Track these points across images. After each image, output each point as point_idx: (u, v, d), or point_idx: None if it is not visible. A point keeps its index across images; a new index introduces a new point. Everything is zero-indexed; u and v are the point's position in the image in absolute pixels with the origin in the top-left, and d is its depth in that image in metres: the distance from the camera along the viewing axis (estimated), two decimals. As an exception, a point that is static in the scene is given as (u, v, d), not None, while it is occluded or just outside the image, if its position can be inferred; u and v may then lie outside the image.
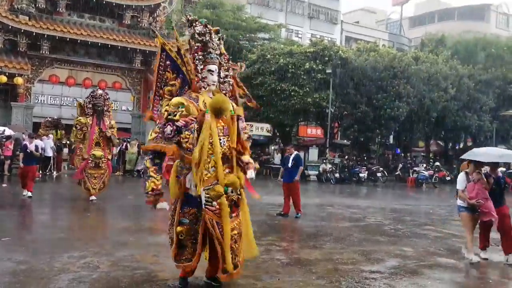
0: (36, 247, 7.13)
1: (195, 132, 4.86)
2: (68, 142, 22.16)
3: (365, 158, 30.10)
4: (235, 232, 5.03)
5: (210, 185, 4.89)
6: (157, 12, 24.73)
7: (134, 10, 23.83)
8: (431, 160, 33.43)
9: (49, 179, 18.67)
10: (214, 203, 4.89)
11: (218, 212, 4.89)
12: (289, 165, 11.60)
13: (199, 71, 5.17)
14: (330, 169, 23.97)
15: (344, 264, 6.79)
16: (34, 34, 20.88)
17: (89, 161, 12.33)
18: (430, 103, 27.62)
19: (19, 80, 20.04)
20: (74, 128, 13.10)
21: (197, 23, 5.26)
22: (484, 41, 36.23)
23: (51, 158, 19.75)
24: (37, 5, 21.68)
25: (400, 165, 29.44)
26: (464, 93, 29.67)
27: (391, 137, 34.18)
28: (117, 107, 22.86)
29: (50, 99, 23.23)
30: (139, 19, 24.12)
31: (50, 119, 22.13)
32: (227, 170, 5.03)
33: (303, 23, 43.87)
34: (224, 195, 4.90)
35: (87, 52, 22.92)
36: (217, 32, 5.38)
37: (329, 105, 26.36)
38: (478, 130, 31.57)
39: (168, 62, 5.47)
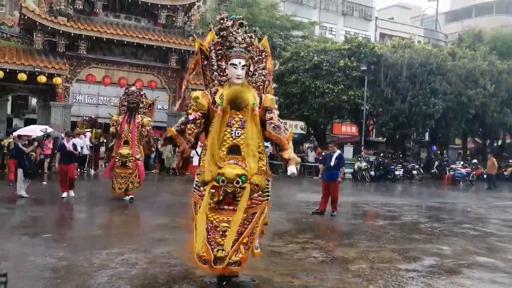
0: (76, 244, 7.30)
1: (200, 128, 5.31)
2: (104, 140, 22.62)
3: (401, 155, 29.67)
4: (225, 224, 4.94)
5: (203, 170, 5.12)
6: (192, 11, 24.88)
7: (169, 10, 24.06)
8: (468, 157, 32.72)
9: (86, 177, 19.08)
10: (202, 188, 5.09)
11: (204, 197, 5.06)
12: (332, 164, 11.44)
13: (216, 65, 5.40)
14: (365, 167, 23.72)
15: (380, 263, 6.73)
16: (72, 34, 21.32)
17: (116, 160, 12.07)
18: (467, 100, 26.97)
19: (58, 80, 20.49)
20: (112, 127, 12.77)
21: (225, 19, 5.30)
22: (524, 35, 35.15)
23: (87, 156, 20.19)
24: (75, 6, 22.11)
25: (436, 163, 28.91)
26: (503, 89, 28.86)
27: (427, 134, 33.57)
28: (156, 105, 23.14)
29: (87, 99, 23.70)
30: (174, 19, 24.34)
31: (87, 118, 22.66)
32: (231, 161, 5.03)
33: (337, 20, 43.50)
34: (214, 183, 4.96)
35: (123, 51, 23.26)
36: (240, 25, 5.32)
37: (364, 102, 26.08)
38: (517, 127, 30.71)
39: (205, 62, 5.63)
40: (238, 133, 5.10)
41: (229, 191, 4.97)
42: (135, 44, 22.46)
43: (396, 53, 27.54)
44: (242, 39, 5.28)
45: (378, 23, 46.23)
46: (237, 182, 4.94)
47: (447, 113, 27.40)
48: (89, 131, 21.63)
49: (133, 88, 12.88)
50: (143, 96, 12.83)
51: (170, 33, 23.96)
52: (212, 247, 4.90)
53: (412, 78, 26.54)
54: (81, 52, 21.88)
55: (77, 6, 22.09)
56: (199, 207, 5.09)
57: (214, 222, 5.00)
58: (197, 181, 5.23)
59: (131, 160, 12.05)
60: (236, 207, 4.98)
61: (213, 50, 5.46)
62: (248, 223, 5.05)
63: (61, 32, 21.10)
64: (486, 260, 7.21)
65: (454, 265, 6.78)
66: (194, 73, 6.04)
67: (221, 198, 4.98)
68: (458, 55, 28.81)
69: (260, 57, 5.62)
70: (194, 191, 5.27)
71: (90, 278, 5.45)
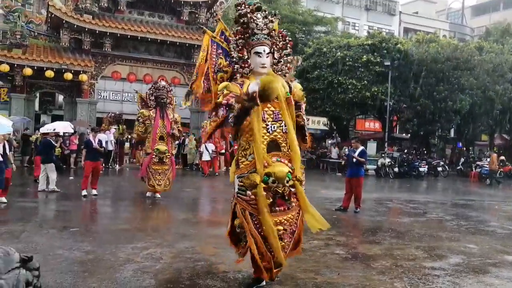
0: (102, 238, 7.42)
1: (234, 111, 4.52)
2: (129, 136, 22.89)
3: (425, 152, 29.26)
4: (280, 227, 4.63)
5: (247, 172, 4.62)
6: (214, 7, 25.00)
7: (192, 6, 24.21)
8: (495, 154, 32.07)
9: (111, 173, 19.32)
10: (248, 192, 4.59)
11: (254, 203, 4.57)
12: (354, 160, 11.41)
13: (237, 56, 4.95)
14: (389, 163, 23.46)
15: (405, 260, 6.65)
16: (97, 32, 21.65)
17: (153, 156, 11.84)
18: (494, 95, 26.42)
19: (83, 77, 20.82)
20: (136, 122, 12.54)
21: (242, 6, 4.95)
22: (554, 28, 34.31)
23: (112, 152, 20.45)
24: (100, 4, 22.43)
25: (462, 159, 28.43)
26: (532, 84, 28.20)
27: (452, 130, 33.04)
28: (176, 102, 23.33)
29: (112, 95, 24.04)
30: (196, 15, 24.49)
31: (112, 114, 22.95)
32: (274, 159, 4.67)
33: (360, 15, 43.13)
34: (263, 185, 4.51)
35: (147, 48, 23.49)
36: (258, 9, 5.00)
37: (387, 98, 25.79)
38: (547, 123, 29.99)
39: (220, 51, 5.26)
40: (274, 127, 4.72)
41: (280, 191, 4.60)
42: (159, 41, 22.68)
43: (420, 48, 27.12)
44: (264, 24, 4.99)
45: (402, 18, 45.67)
46: (287, 181, 4.62)
47: (473, 109, 26.90)
48: (115, 128, 21.89)
49: (163, 83, 12.59)
50: (171, 92, 12.73)
51: (193, 30, 24.10)
52: (272, 254, 4.66)
53: (437, 74, 26.11)
54: (106, 49, 22.19)
55: (102, 4, 22.41)
56: (249, 213, 4.66)
57: None
58: (241, 185, 4.69)
59: (168, 156, 12.02)
60: (286, 207, 4.72)
61: (233, 40, 5.06)
62: (296, 221, 4.84)
63: (86, 29, 21.44)
64: (515, 260, 7.06)
65: (481, 264, 6.65)
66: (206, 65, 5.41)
67: (271, 200, 4.61)
68: (485, 49, 28.24)
69: (284, 43, 5.21)
70: (238, 197, 4.74)
71: (116, 272, 5.55)
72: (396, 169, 23.33)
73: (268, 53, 4.95)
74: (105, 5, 22.55)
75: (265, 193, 4.53)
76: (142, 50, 23.45)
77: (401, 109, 28.82)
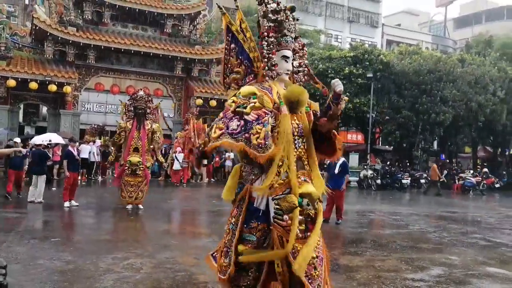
0: (83, 248, 7.36)
1: (269, 125, 3.74)
2: (112, 148, 22.70)
3: (408, 164, 29.48)
4: (314, 255, 3.91)
5: (282, 194, 3.88)
6: (197, 20, 25.05)
7: (175, 19, 24.26)
8: (478, 166, 32.44)
9: (94, 184, 19.15)
10: (286, 216, 3.81)
11: (289, 228, 3.84)
12: (336, 171, 11.41)
13: (267, 56, 4.21)
14: (371, 175, 23.57)
15: (386, 272, 6.65)
16: (81, 44, 21.58)
17: (126, 168, 11.74)
18: (477, 107, 26.74)
19: (67, 89, 20.71)
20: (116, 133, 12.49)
21: (275, 3, 4.30)
22: (534, 41, 34.93)
23: (95, 163, 20.31)
24: (84, 17, 22.45)
25: (445, 172, 28.68)
26: (514, 95, 28.62)
27: (435, 142, 33.36)
28: (158, 113, 23.26)
29: (96, 107, 23.90)
30: (179, 28, 24.55)
31: (95, 126, 22.82)
32: (302, 178, 4.00)
33: (343, 27, 43.50)
34: (298, 208, 3.87)
35: (130, 60, 23.45)
36: (291, 10, 4.37)
37: (370, 110, 25.98)
38: (529, 134, 30.41)
39: (233, 45, 4.42)
40: (299, 142, 4.07)
41: (312, 214, 3.96)
42: (142, 53, 22.68)
43: (403, 60, 27.45)
44: (294, 26, 4.40)
45: (385, 30, 46.18)
46: (316, 203, 4.02)
47: (456, 121, 27.21)
48: (100, 140, 21.75)
49: (141, 93, 12.48)
50: (150, 102, 12.62)
51: (176, 42, 24.15)
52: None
53: (420, 85, 26.42)
54: (90, 61, 22.12)
55: (86, 17, 22.43)
56: (287, 241, 3.83)
57: None
58: (278, 209, 3.87)
59: (141, 168, 11.83)
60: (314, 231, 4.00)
61: (264, 36, 4.30)
62: (322, 246, 4.17)
63: (70, 42, 21.37)
64: (497, 271, 7.08)
65: (463, 276, 6.67)
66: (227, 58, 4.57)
67: (304, 224, 3.93)
68: (467, 61, 28.63)
69: (303, 52, 4.59)
70: (275, 222, 3.87)
71: (95, 282, 5.53)
72: (378, 181, 23.45)
73: (292, 60, 4.39)
74: (89, 17, 22.55)
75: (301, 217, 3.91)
76: (126, 62, 23.41)
77: (384, 121, 29.06)
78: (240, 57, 4.36)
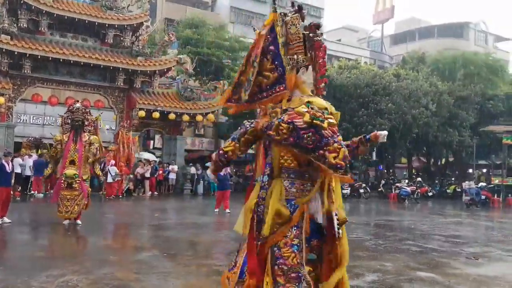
0: (15, 265, 7.08)
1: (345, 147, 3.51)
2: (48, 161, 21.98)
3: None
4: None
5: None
6: (140, 31, 24.80)
7: (117, 30, 23.88)
8: (413, 176, 33.77)
9: (30, 199, 18.46)
10: (341, 231, 3.76)
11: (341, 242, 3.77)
12: None
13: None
14: (313, 186, 23.99)
15: (324, 279, 6.82)
16: (15, 53, 20.82)
17: (62, 181, 11.41)
18: (411, 119, 27.95)
19: (0, 100, 19.93)
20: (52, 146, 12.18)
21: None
22: (463, 58, 36.92)
23: (31, 178, 19.59)
24: (19, 25, 21.63)
25: (383, 181, 29.68)
26: (444, 109, 30.14)
27: (374, 153, 34.50)
28: (100, 125, 22.77)
29: (33, 119, 23.06)
30: (121, 38, 24.17)
31: (31, 138, 22.00)
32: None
33: (285, 41, 44.25)
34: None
35: (70, 71, 22.86)
36: (318, 27, 4.21)
37: (311, 123, 26.46)
38: (459, 145, 32.00)
39: (272, 47, 3.94)
40: None
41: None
42: (82, 63, 22.14)
43: (342, 74, 28.30)
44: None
45: (325, 45, 47.29)
46: None
47: (392, 133, 28.24)
48: (36, 154, 21.00)
49: (78, 105, 12.23)
50: (88, 113, 12.41)
51: (117, 53, 23.77)
52: None
53: (358, 99, 27.31)
54: (26, 71, 21.33)
55: (22, 25, 21.62)
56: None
57: None
58: (337, 223, 3.77)
59: (77, 181, 11.49)
60: None
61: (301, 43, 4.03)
62: None
63: (4, 50, 20.55)
64: (427, 275, 7.42)
65: (395, 281, 6.95)
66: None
67: None
68: (402, 76, 29.91)
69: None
70: (339, 236, 3.76)
71: (27, 303, 5.30)
72: (319, 191, 23.88)
73: None
74: (24, 25, 21.78)
75: None
76: (65, 73, 22.78)
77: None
78: (275, 62, 3.92)
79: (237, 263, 3.98)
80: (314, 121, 3.46)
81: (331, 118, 3.55)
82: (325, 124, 3.45)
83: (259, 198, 3.75)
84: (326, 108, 3.67)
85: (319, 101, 3.73)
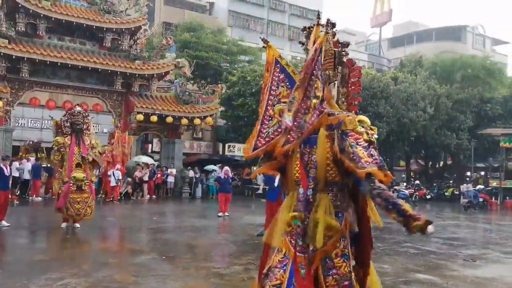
0: (14, 269, 7.07)
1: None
2: (48, 165, 21.97)
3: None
4: None
5: None
6: (138, 35, 24.84)
7: (115, 33, 23.90)
8: (411, 178, 33.81)
9: (28, 203, 18.43)
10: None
11: None
12: (276, 184, 11.55)
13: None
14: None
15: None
16: (13, 57, 20.81)
17: (71, 185, 11.28)
18: (409, 123, 28.01)
19: (-2, 104, 19.94)
20: (52, 150, 12.03)
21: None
22: (461, 61, 36.99)
23: (30, 181, 19.56)
24: (17, 29, 21.63)
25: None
26: (442, 112, 30.21)
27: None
28: (98, 129, 22.80)
29: (31, 122, 23.05)
30: (119, 42, 24.18)
31: (30, 142, 21.99)
32: None
33: (283, 45, 44.35)
34: None
35: (68, 75, 22.86)
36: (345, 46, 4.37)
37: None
38: (457, 148, 32.05)
39: (282, 76, 4.29)
40: None
41: None
42: (80, 67, 22.13)
43: (341, 78, 28.32)
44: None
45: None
46: None
47: (390, 136, 28.33)
48: (33, 158, 20.98)
49: (79, 108, 12.25)
50: (87, 118, 12.40)
51: (115, 56, 23.78)
52: None
53: (356, 102, 27.32)
54: (24, 75, 21.32)
55: (19, 29, 21.61)
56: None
57: None
58: None
59: (87, 183, 11.54)
60: None
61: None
62: None
63: (2, 54, 20.55)
64: (425, 277, 7.45)
65: (393, 283, 6.97)
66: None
67: None
68: (400, 79, 29.97)
69: None
70: None
71: (25, 306, 5.31)
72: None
73: None
74: (22, 29, 21.77)
75: None
76: (63, 77, 22.79)
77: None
78: (291, 88, 4.07)
79: (277, 275, 3.77)
80: (371, 139, 3.60)
81: (375, 134, 3.69)
82: (374, 140, 3.62)
83: (297, 210, 3.73)
84: (370, 126, 3.77)
85: (366, 119, 3.80)
